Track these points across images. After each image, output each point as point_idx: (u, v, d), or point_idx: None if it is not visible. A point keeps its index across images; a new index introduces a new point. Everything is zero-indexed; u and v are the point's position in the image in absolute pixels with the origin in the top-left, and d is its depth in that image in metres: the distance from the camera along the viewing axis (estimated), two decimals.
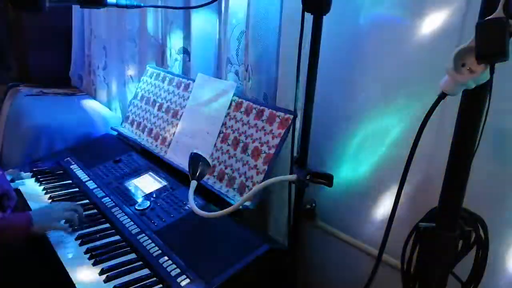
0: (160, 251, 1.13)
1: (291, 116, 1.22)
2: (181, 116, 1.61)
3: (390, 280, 1.01)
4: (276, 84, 1.32)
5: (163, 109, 1.72)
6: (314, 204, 1.35)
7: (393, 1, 1.07)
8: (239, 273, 1.03)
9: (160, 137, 1.68)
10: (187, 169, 1.19)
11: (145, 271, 1.09)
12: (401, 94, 1.08)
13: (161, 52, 1.96)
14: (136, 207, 1.34)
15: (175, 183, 1.42)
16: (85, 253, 1.16)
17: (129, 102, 1.99)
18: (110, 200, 1.42)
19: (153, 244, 1.16)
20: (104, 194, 1.46)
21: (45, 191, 1.51)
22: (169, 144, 1.61)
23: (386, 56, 1.11)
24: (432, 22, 0.98)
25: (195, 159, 1.14)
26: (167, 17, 1.85)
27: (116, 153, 1.70)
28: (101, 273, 1.08)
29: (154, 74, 1.87)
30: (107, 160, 1.66)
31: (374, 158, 1.17)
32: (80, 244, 1.20)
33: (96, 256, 1.14)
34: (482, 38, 0.58)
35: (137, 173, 1.53)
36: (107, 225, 1.31)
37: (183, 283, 1.02)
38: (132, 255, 1.16)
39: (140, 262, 1.13)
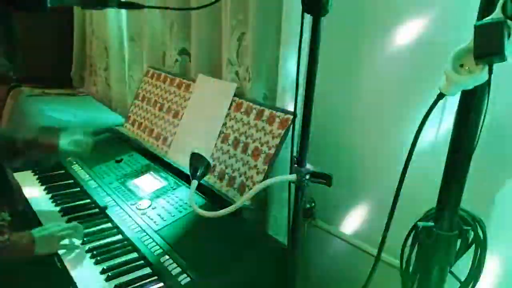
0: (161, 250, 1.14)
1: (291, 116, 1.22)
2: (182, 116, 1.62)
3: (389, 279, 1.02)
4: (276, 84, 1.33)
5: (164, 110, 1.73)
6: (313, 204, 1.35)
7: (392, 2, 1.08)
8: (239, 272, 1.03)
9: (161, 138, 1.69)
10: (188, 169, 1.19)
11: (146, 270, 1.10)
12: (400, 94, 1.09)
13: (162, 53, 1.97)
14: (137, 207, 1.34)
15: (176, 183, 1.43)
16: (87, 252, 1.17)
17: (131, 103, 2.00)
18: (111, 199, 1.42)
19: (154, 243, 1.17)
20: (105, 194, 1.46)
21: (46, 191, 1.52)
22: (170, 144, 1.62)
23: (385, 55, 1.11)
24: (432, 22, 0.99)
25: (196, 159, 1.15)
26: (168, 17, 1.85)
27: (118, 153, 1.70)
28: (102, 272, 1.09)
29: (155, 75, 1.87)
30: (109, 160, 1.66)
31: (373, 157, 1.17)
32: (82, 243, 1.21)
33: (97, 255, 1.15)
34: (481, 39, 0.59)
35: (138, 172, 1.53)
36: (109, 224, 1.31)
37: (183, 282, 1.02)
38: (133, 254, 1.17)
39: (141, 261, 1.13)
